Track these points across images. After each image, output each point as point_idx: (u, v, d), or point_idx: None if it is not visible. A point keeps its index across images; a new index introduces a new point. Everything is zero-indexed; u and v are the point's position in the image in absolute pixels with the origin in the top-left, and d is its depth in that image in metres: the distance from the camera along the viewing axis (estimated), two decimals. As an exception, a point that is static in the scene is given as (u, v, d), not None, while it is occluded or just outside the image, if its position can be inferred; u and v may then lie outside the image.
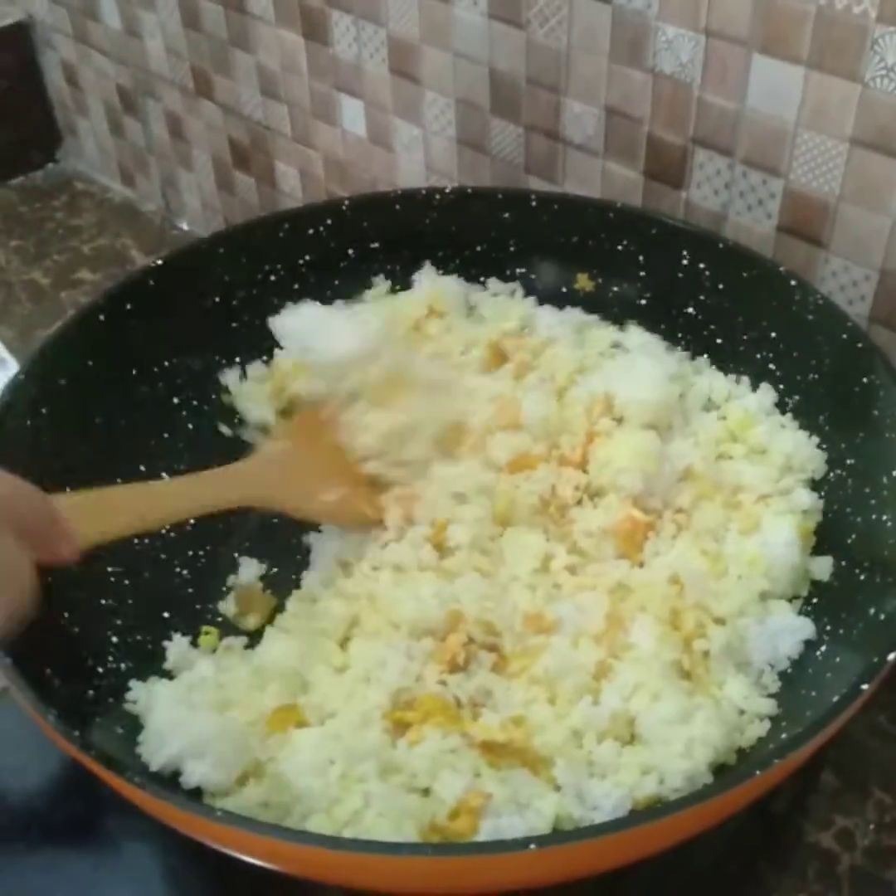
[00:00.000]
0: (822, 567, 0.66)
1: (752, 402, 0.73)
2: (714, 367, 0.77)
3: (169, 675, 0.64)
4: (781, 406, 0.73)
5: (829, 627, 0.63)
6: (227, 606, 0.70)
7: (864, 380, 0.65)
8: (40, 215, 1.30)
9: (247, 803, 0.56)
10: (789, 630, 0.64)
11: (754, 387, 0.75)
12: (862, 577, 0.62)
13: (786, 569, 0.65)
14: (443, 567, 0.67)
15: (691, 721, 0.58)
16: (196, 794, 0.57)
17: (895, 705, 0.75)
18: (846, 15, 0.66)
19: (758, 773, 0.48)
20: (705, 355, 0.77)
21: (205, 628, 0.68)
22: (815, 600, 0.66)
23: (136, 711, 0.61)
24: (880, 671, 0.51)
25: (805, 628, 0.64)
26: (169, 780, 0.57)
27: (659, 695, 0.59)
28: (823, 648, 0.62)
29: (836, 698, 0.50)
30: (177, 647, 0.66)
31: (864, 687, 0.50)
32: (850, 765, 0.73)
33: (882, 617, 0.57)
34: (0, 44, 1.29)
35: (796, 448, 0.70)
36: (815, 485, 0.69)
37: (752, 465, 0.70)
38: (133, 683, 0.62)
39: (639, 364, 0.74)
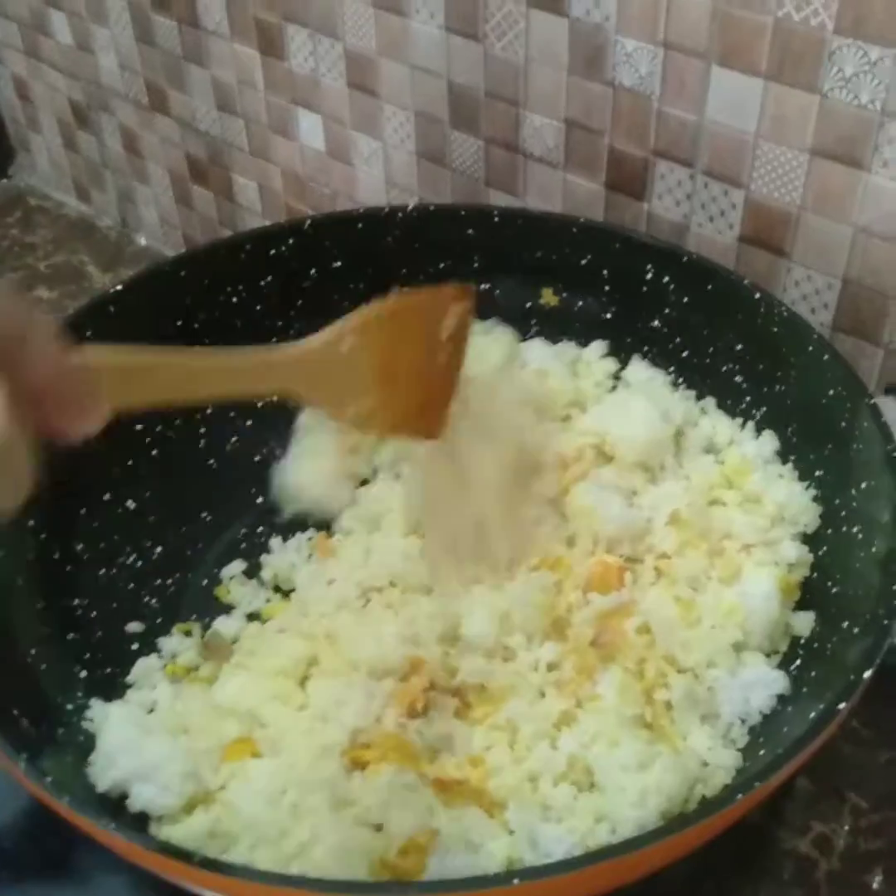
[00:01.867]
0: (804, 622, 0.64)
1: (751, 449, 0.72)
2: (720, 410, 0.76)
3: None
4: (747, 417, 0.73)
5: (804, 683, 0.61)
6: (190, 654, 0.69)
7: (831, 392, 0.65)
8: (-5, 232, 1.28)
9: (193, 832, 0.56)
10: (762, 683, 0.62)
11: (723, 406, 0.75)
12: (842, 627, 0.60)
13: (763, 621, 0.63)
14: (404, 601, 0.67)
15: (648, 769, 0.57)
16: (142, 818, 0.56)
17: (868, 710, 0.75)
18: (804, 27, 0.66)
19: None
20: (712, 397, 0.76)
21: (169, 665, 0.67)
22: (793, 656, 0.64)
23: (92, 731, 0.60)
24: (832, 718, 0.51)
25: (778, 682, 0.62)
26: (116, 804, 0.56)
27: (618, 742, 0.58)
28: (797, 703, 0.61)
29: (784, 748, 0.50)
30: (142, 667, 0.65)
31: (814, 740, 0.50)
32: (824, 770, 0.73)
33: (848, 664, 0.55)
34: (-51, 60, 1.28)
35: (790, 499, 0.68)
36: (806, 538, 0.67)
37: (743, 514, 0.69)
38: (92, 702, 0.61)
39: (632, 402, 0.74)
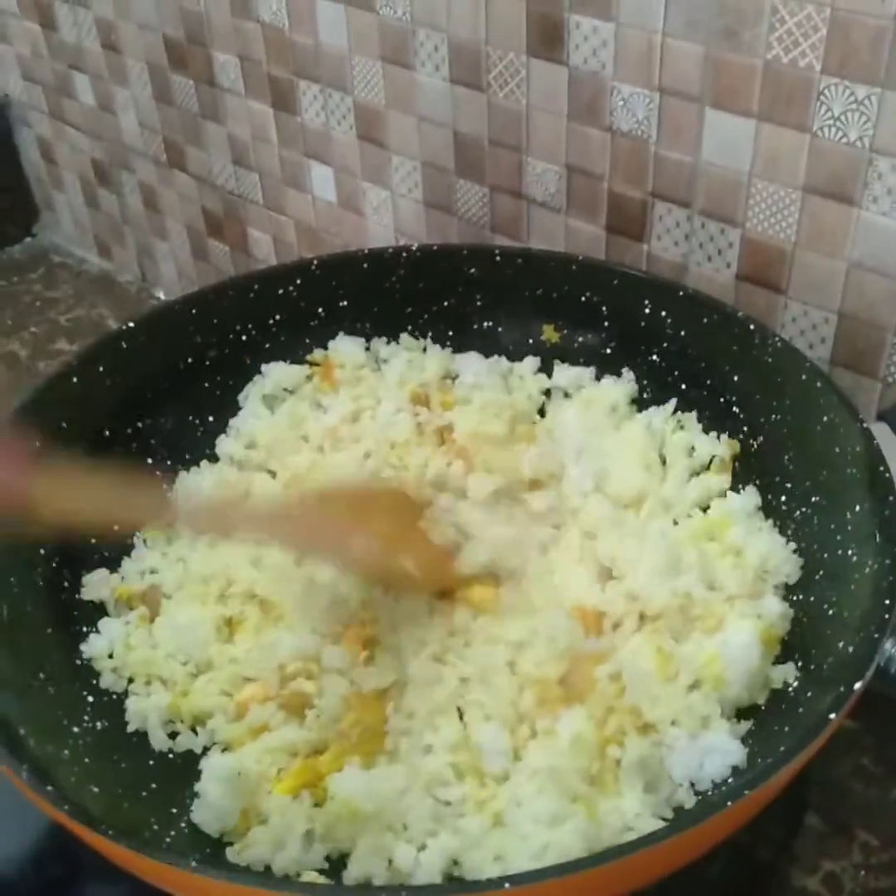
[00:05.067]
0: (783, 674, 0.63)
1: (735, 503, 0.72)
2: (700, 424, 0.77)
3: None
4: (745, 447, 0.74)
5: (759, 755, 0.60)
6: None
7: (825, 418, 0.66)
8: (17, 288, 1.31)
9: None
10: (720, 751, 0.60)
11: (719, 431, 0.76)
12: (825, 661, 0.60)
13: (741, 672, 0.62)
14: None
15: (558, 827, 0.56)
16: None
17: (879, 747, 0.75)
18: (792, 68, 0.69)
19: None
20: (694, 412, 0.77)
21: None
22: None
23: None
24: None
25: (735, 753, 0.60)
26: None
27: (544, 790, 0.57)
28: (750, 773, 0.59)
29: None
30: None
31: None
32: (834, 808, 0.72)
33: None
34: (-23, 123, 1.32)
35: (772, 551, 0.68)
36: (788, 589, 0.67)
37: (725, 566, 0.68)
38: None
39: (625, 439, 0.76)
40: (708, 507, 0.73)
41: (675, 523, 0.72)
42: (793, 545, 0.68)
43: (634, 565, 0.68)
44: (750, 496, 0.72)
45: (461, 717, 0.63)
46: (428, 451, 0.77)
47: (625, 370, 0.80)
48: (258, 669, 0.65)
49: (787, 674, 0.63)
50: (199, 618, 0.68)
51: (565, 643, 0.63)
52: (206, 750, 0.63)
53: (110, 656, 0.67)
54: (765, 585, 0.67)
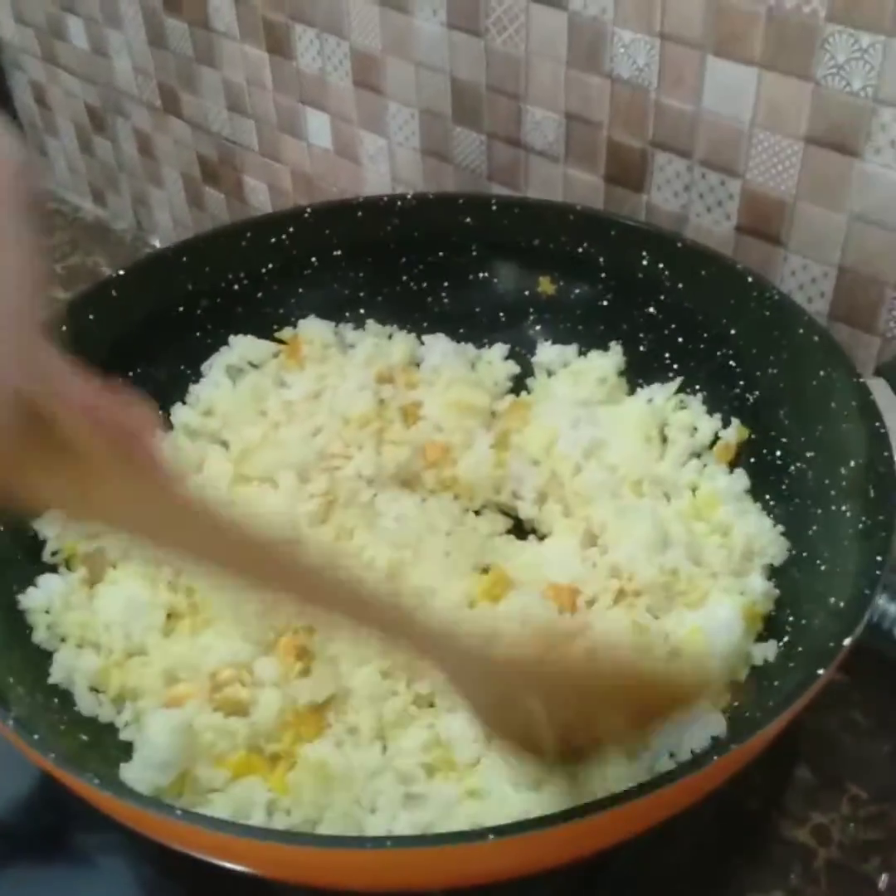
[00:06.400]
0: (764, 651, 0.63)
1: (724, 484, 0.71)
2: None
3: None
4: (741, 401, 0.73)
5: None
6: None
7: (821, 372, 0.66)
8: (12, 235, 1.30)
9: None
10: (701, 722, 0.59)
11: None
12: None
13: (724, 646, 0.62)
14: None
15: (537, 792, 0.55)
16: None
17: (870, 701, 0.75)
18: (796, 15, 0.67)
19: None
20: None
21: None
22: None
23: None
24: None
25: (717, 725, 0.60)
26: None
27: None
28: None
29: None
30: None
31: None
32: (824, 761, 0.73)
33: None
34: (-31, 67, 1.30)
35: (759, 532, 0.68)
36: (773, 571, 0.67)
37: (711, 545, 0.68)
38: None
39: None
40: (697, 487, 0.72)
41: (668, 500, 0.72)
42: (781, 528, 0.68)
43: (621, 537, 0.67)
44: (739, 478, 0.72)
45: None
46: (386, 426, 0.75)
47: (613, 343, 0.79)
48: (191, 672, 0.63)
49: (768, 652, 0.63)
50: (143, 601, 0.66)
51: (539, 623, 0.62)
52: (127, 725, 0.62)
53: (47, 612, 0.66)
54: (750, 565, 0.67)
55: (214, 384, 0.78)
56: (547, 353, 0.81)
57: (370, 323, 0.83)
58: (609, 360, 0.79)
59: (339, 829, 0.55)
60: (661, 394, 0.77)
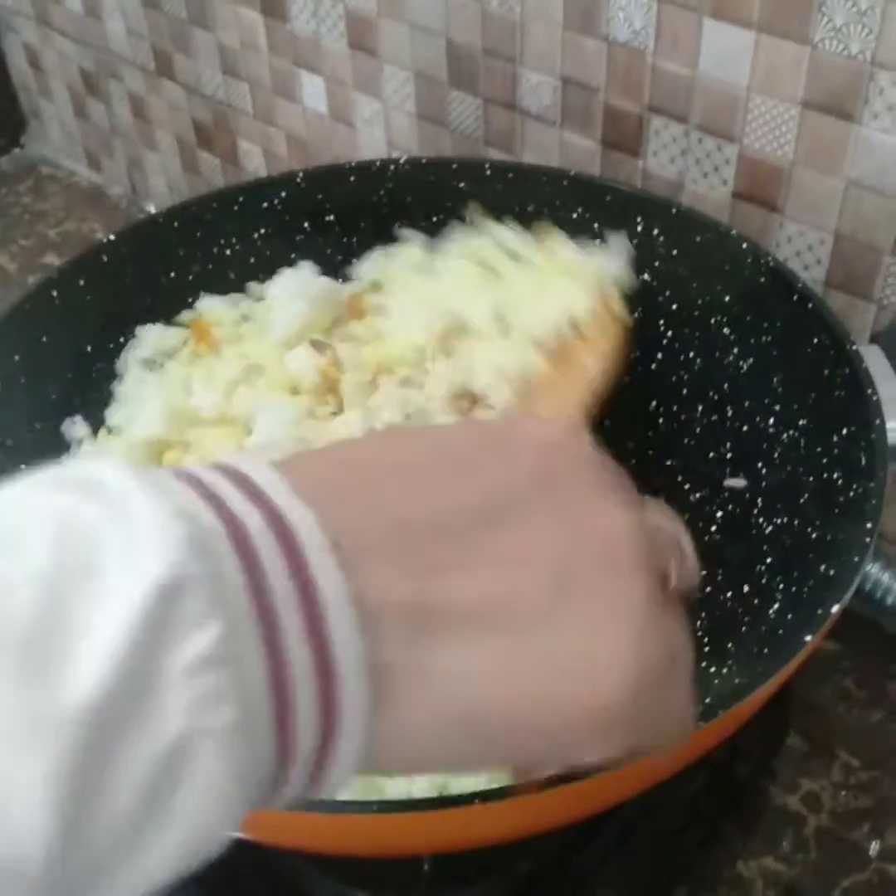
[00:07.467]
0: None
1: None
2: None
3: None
4: (735, 369, 0.73)
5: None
6: None
7: (815, 340, 0.65)
8: (6, 200, 1.29)
9: None
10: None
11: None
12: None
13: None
14: None
15: None
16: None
17: (861, 669, 0.76)
18: (793, -24, 0.66)
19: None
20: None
21: None
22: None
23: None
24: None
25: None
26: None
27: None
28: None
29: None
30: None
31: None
32: (816, 728, 0.73)
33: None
34: (-38, 28, 1.29)
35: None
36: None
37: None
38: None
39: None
40: None
41: None
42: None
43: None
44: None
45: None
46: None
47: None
48: None
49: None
50: None
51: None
52: None
53: None
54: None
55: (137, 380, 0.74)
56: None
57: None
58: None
59: (361, 793, 0.55)
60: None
